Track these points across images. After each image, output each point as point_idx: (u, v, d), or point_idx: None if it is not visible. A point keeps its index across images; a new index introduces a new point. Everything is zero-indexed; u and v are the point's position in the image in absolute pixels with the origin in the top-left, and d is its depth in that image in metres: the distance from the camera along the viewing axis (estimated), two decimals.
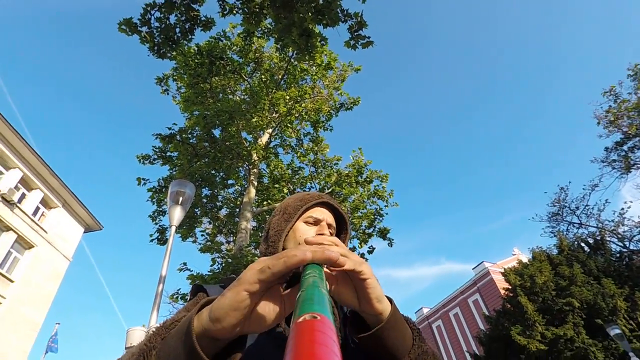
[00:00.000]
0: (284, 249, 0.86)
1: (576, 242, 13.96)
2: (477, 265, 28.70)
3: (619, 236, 14.73)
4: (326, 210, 0.91)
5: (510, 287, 12.38)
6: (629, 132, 14.23)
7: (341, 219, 0.95)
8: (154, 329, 0.55)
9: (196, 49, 8.45)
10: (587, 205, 15.61)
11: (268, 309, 0.47)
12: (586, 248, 13.57)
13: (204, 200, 9.77)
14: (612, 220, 15.08)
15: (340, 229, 0.96)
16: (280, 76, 9.81)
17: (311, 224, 0.87)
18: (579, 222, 15.80)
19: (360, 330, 0.63)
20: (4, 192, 13.75)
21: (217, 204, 10.13)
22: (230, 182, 10.23)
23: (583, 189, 16.00)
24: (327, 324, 0.29)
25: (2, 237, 14.00)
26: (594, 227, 15.40)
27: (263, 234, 0.95)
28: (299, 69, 9.85)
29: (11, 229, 14.18)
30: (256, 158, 8.90)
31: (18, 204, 14.55)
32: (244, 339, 0.53)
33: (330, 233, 0.89)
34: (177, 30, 5.32)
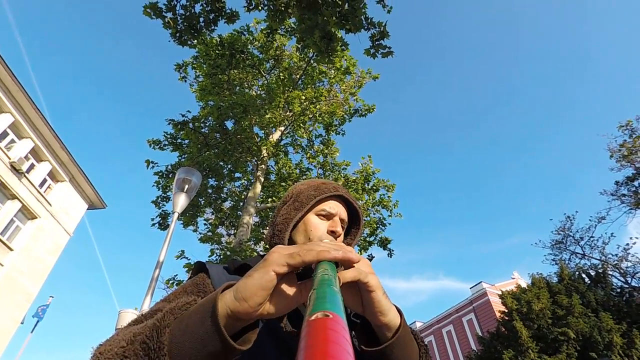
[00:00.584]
0: (290, 239, 0.84)
1: (577, 273, 13.76)
2: (475, 285, 28.45)
3: (622, 271, 14.52)
4: (340, 204, 0.87)
5: (506, 311, 12.24)
6: None
7: (355, 214, 0.91)
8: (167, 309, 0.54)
9: (218, 40, 8.48)
10: (592, 236, 15.44)
11: (287, 293, 0.49)
12: (587, 279, 13.37)
13: (209, 190, 9.79)
14: (616, 255, 14.89)
15: (351, 224, 0.93)
16: (298, 76, 9.81)
17: (323, 217, 0.84)
18: (582, 252, 15.61)
19: (368, 341, 0.64)
20: (14, 161, 13.92)
21: (222, 195, 10.15)
22: (237, 175, 10.24)
23: (589, 220, 15.86)
24: (339, 322, 0.30)
25: (7, 204, 14.16)
26: (596, 259, 15.20)
27: (271, 219, 0.94)
28: (318, 71, 9.84)
29: (16, 198, 14.35)
30: (265, 154, 8.90)
31: (26, 174, 14.73)
32: (257, 322, 0.53)
33: (342, 228, 0.86)
34: (201, 19, 5.35)
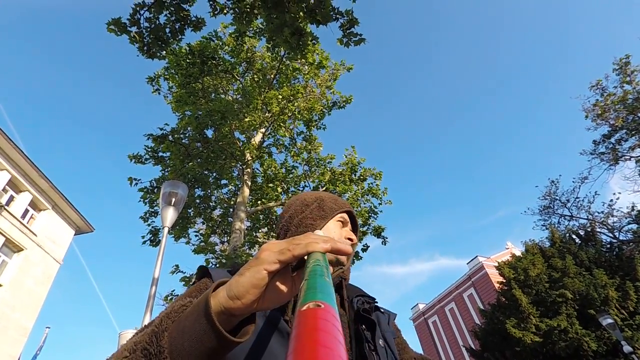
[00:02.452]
0: None
1: (567, 234, 14.17)
2: (471, 260, 28.99)
3: (609, 227, 15.01)
4: (348, 217, 1.02)
5: (504, 281, 12.53)
6: (616, 124, 14.48)
7: (355, 227, 1.06)
8: (161, 312, 0.56)
9: (187, 48, 8.34)
10: (577, 197, 15.88)
11: (280, 287, 0.51)
12: (577, 240, 13.79)
13: (197, 200, 9.68)
14: (602, 212, 15.37)
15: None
16: (272, 76, 9.74)
17: (341, 222, 0.98)
18: (570, 214, 16.05)
19: None
20: None
21: (211, 204, 10.05)
22: (223, 182, 10.15)
23: (573, 181, 16.31)
24: (331, 312, 0.30)
25: None
26: (584, 219, 15.67)
27: (284, 217, 1.03)
28: (291, 68, 9.79)
29: None
30: (249, 158, 8.84)
31: (6, 207, 14.28)
32: (254, 314, 0.55)
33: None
34: (167, 30, 5.25)
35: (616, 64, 14.25)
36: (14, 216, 14.62)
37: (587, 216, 15.60)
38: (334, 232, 0.94)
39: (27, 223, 15.49)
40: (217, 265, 8.19)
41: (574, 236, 14.02)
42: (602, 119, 14.96)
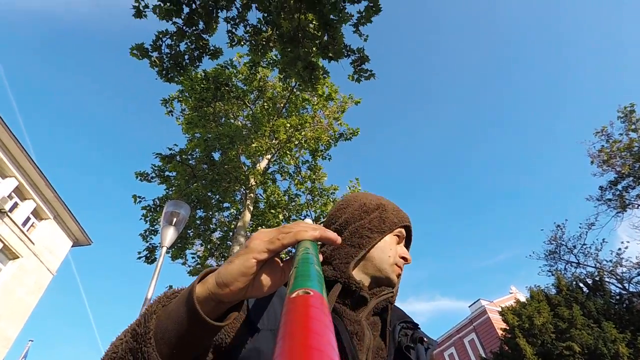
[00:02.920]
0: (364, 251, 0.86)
1: (574, 282, 13.75)
2: (474, 303, 28.10)
3: (618, 277, 14.58)
4: (405, 232, 0.95)
5: (508, 328, 12.07)
6: (623, 171, 14.40)
7: (409, 242, 0.99)
8: (155, 298, 0.58)
9: (203, 74, 8.65)
10: (584, 244, 15.55)
11: (269, 276, 0.51)
12: (585, 289, 13.37)
13: (198, 222, 9.67)
14: (610, 261, 14.98)
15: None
16: (282, 104, 9.98)
17: (397, 237, 0.90)
18: (577, 261, 15.67)
19: None
20: None
21: (211, 226, 10.02)
22: (225, 205, 10.17)
23: (579, 227, 16.00)
24: (320, 299, 0.30)
25: None
26: (592, 267, 15.27)
27: (338, 218, 0.93)
28: (301, 99, 10.03)
29: None
30: (253, 183, 8.89)
31: (9, 213, 14.36)
32: (241, 302, 0.56)
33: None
34: (186, 57, 5.47)
35: (621, 111, 14.38)
36: (15, 223, 14.66)
37: (595, 264, 15.22)
38: (390, 248, 0.87)
39: (27, 231, 15.50)
40: None
41: (581, 284, 13.59)
42: (608, 165, 14.91)
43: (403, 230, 0.92)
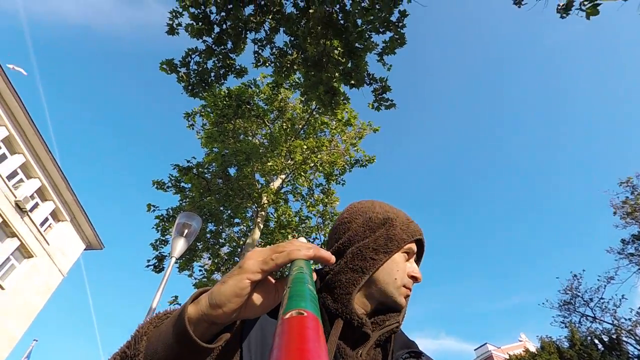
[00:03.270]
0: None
1: (589, 338, 13.01)
2: (480, 347, 26.79)
3: (637, 338, 13.69)
4: (415, 247, 0.84)
5: None
6: None
7: (420, 256, 0.88)
8: (148, 318, 0.56)
9: (226, 91, 8.98)
10: (601, 298, 14.77)
11: (263, 296, 0.50)
12: (600, 346, 12.61)
13: (208, 235, 9.74)
14: (630, 319, 14.12)
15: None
16: (300, 126, 10.19)
17: (406, 254, 0.80)
18: (593, 315, 14.85)
19: None
20: (19, 200, 14.08)
21: (220, 240, 10.07)
22: (236, 220, 10.25)
23: (598, 279, 15.32)
24: (314, 320, 0.29)
25: (6, 242, 14.07)
26: (609, 323, 14.42)
27: (340, 237, 0.83)
28: (320, 122, 10.24)
29: (16, 236, 14.28)
30: (266, 201, 8.97)
31: (29, 213, 14.80)
32: (234, 323, 0.54)
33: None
34: (212, 74, 5.73)
35: None
36: (33, 223, 15.07)
37: (612, 321, 14.38)
38: (397, 270, 0.76)
39: (44, 231, 15.88)
40: None
41: (596, 341, 12.85)
42: (632, 218, 14.39)
43: (413, 246, 0.81)
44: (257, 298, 0.50)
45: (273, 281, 0.52)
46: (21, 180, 14.86)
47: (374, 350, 0.73)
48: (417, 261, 0.85)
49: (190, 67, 5.52)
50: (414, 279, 0.78)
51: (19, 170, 14.67)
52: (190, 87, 5.72)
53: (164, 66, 5.34)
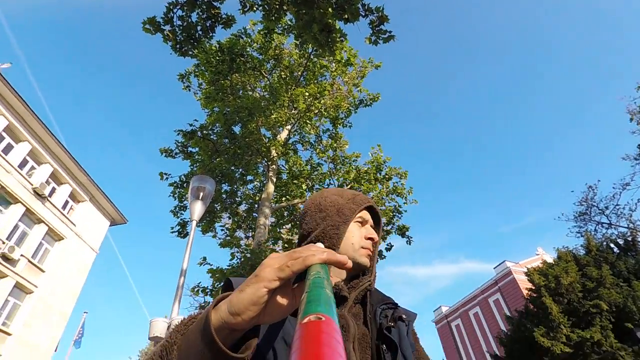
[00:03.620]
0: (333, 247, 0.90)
1: (605, 243, 13.39)
2: (499, 265, 28.03)
3: None
4: (368, 212, 0.99)
5: (533, 288, 12.02)
6: None
7: (377, 218, 1.02)
8: (174, 326, 0.61)
9: (217, 46, 8.55)
10: (617, 205, 14.99)
11: (281, 302, 0.51)
12: (615, 249, 13.01)
13: (224, 195, 9.92)
14: None
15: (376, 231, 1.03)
16: (299, 73, 9.81)
17: (359, 223, 0.95)
18: (609, 222, 15.18)
19: None
20: (36, 186, 14.41)
21: (237, 199, 10.27)
22: (249, 178, 10.34)
23: (613, 187, 15.38)
24: (331, 325, 0.30)
25: (35, 229, 14.69)
26: (624, 227, 14.75)
27: (303, 231, 0.97)
28: (319, 66, 9.81)
29: (42, 222, 14.86)
30: (275, 154, 8.95)
31: (49, 198, 15.22)
32: (258, 326, 0.57)
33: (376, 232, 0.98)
34: (199, 28, 5.40)
35: None
36: (55, 207, 15.56)
37: (628, 224, 14.69)
38: (353, 235, 0.91)
39: (68, 214, 16.44)
40: (242, 260, 8.36)
41: (612, 245, 13.23)
42: None
43: (365, 214, 0.96)
44: (275, 304, 0.51)
45: (291, 286, 0.53)
46: (33, 168, 15.09)
47: (354, 308, 0.86)
48: (377, 227, 1.00)
49: (175, 24, 5.20)
50: (370, 239, 0.93)
51: (28, 158, 14.84)
52: (178, 46, 5.44)
53: (147, 26, 5.04)
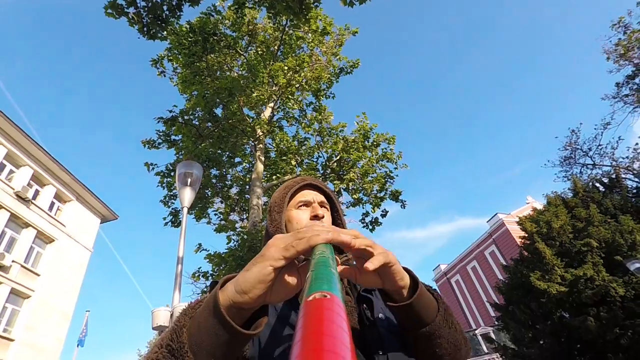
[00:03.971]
0: None
1: (591, 183, 13.80)
2: (492, 218, 28.87)
3: (635, 172, 14.54)
4: (313, 191, 0.95)
5: (526, 235, 12.44)
6: None
7: (329, 197, 0.98)
8: (180, 310, 0.60)
9: (188, 26, 8.13)
10: (599, 145, 15.35)
11: (287, 281, 0.53)
12: (601, 188, 13.43)
13: (214, 180, 9.80)
14: (627, 157, 14.85)
15: (332, 208, 0.99)
16: (276, 47, 9.45)
17: (302, 206, 0.92)
18: (593, 162, 15.59)
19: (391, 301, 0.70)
20: (18, 190, 14.00)
21: (227, 183, 10.16)
22: (237, 160, 10.19)
23: (595, 128, 15.69)
24: (336, 302, 0.30)
25: (23, 233, 14.42)
26: (608, 166, 15.20)
27: (264, 230, 1.00)
28: (295, 38, 9.47)
29: (30, 225, 14.57)
30: (261, 133, 8.78)
31: (33, 201, 14.85)
32: (266, 306, 0.58)
33: (326, 209, 0.94)
34: (165, 8, 5.09)
35: None
36: (41, 209, 15.21)
37: (611, 163, 15.13)
38: (296, 221, 0.89)
39: (55, 215, 16.12)
40: (239, 242, 8.39)
41: (597, 184, 13.64)
42: (625, 59, 14.11)
43: (306, 194, 0.93)
44: (281, 283, 0.52)
45: (297, 265, 0.54)
46: (12, 172, 14.59)
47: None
48: (333, 207, 0.97)
49: (139, 5, 4.88)
50: (315, 217, 0.89)
51: (5, 162, 14.32)
52: (145, 29, 5.14)
53: (110, 10, 4.73)
